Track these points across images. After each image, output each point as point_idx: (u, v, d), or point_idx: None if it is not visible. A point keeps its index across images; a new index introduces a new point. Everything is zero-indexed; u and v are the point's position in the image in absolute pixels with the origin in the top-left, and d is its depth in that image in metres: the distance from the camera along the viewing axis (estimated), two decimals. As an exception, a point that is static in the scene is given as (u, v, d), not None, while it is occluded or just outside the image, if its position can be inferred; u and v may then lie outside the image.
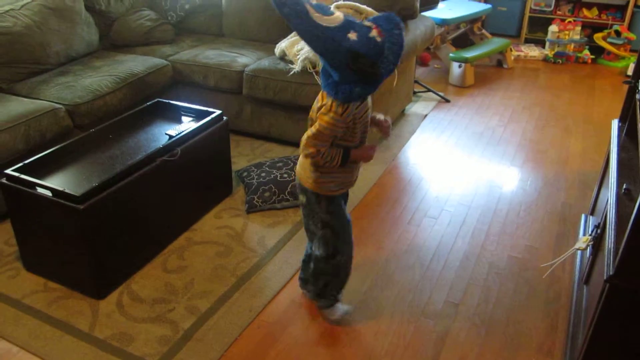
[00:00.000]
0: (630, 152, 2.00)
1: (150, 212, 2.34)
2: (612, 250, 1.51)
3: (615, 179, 1.84)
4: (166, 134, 2.47)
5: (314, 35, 1.48)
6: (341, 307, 2.06)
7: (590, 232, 2.06)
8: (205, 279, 2.27)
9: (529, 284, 2.26)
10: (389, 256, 2.43)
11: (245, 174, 2.91)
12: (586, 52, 5.07)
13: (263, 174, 2.82)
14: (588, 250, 2.08)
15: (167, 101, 2.80)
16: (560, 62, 5.06)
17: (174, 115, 2.73)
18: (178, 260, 2.38)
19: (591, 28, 5.19)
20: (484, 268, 2.35)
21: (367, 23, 1.55)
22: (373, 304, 2.15)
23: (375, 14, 3.10)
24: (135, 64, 3.30)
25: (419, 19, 3.57)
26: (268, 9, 3.72)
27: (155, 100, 2.81)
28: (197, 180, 2.59)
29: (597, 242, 1.90)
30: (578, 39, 5.04)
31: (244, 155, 3.25)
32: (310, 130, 1.65)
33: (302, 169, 1.82)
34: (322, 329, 2.04)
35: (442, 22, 4.42)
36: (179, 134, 2.44)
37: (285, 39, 3.36)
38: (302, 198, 1.88)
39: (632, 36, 4.87)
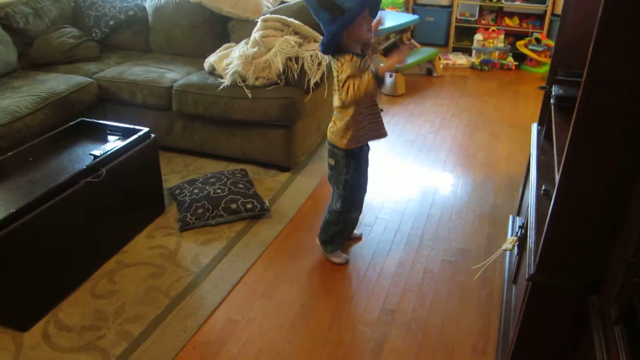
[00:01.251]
0: (549, 154, 2.08)
1: (76, 236, 2.24)
2: (532, 249, 1.56)
3: (535, 181, 1.91)
4: (90, 154, 2.38)
5: None
6: (342, 254, 2.46)
7: (516, 233, 2.13)
8: (137, 302, 2.19)
9: (462, 287, 2.31)
10: (326, 267, 2.43)
11: (177, 191, 2.85)
12: (510, 59, 5.29)
13: (196, 191, 2.77)
14: (515, 250, 2.15)
15: (91, 120, 2.71)
16: (487, 69, 5.25)
17: (100, 135, 2.64)
18: (108, 285, 2.29)
19: (514, 36, 5.42)
20: (419, 273, 2.39)
21: None
22: (310, 315, 2.14)
23: (303, 26, 3.13)
24: (58, 82, 3.17)
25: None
26: (195, 24, 3.68)
27: (79, 119, 2.71)
28: (126, 200, 2.51)
29: (522, 242, 1.97)
30: (502, 46, 5.25)
31: (176, 172, 3.18)
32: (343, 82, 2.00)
33: (334, 134, 2.17)
34: (260, 344, 2.01)
35: (372, 33, 4.50)
36: (103, 153, 2.35)
37: (214, 53, 3.33)
38: (330, 161, 2.25)
39: (551, 43, 5.11)
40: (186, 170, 3.21)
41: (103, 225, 2.39)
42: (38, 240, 2.04)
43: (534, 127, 2.38)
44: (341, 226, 2.37)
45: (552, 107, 2.04)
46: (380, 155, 3.47)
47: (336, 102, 2.12)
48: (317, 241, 2.49)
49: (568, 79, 2.12)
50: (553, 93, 2.06)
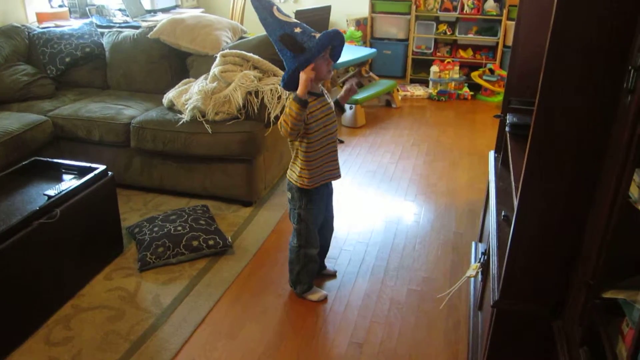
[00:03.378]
0: (506, 180, 2.12)
1: (30, 280, 2.14)
2: (495, 275, 1.57)
3: (494, 207, 1.93)
4: (44, 194, 2.29)
5: (270, 23, 2.03)
6: (318, 290, 2.43)
7: (479, 259, 2.14)
8: (95, 348, 2.09)
9: (429, 316, 2.30)
10: (291, 302, 2.38)
11: (136, 229, 2.77)
12: (466, 89, 5.44)
13: (156, 229, 2.70)
14: (479, 276, 2.17)
15: (45, 159, 2.63)
16: (444, 99, 5.38)
17: (54, 174, 2.56)
18: (63, 331, 2.18)
19: (468, 67, 5.60)
20: (386, 304, 2.37)
21: (316, 33, 2.02)
22: (277, 353, 2.09)
23: (262, 61, 3.15)
24: (10, 121, 3.08)
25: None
26: (153, 60, 3.66)
27: (33, 158, 2.63)
28: (82, 241, 2.42)
29: (485, 268, 1.98)
30: (457, 77, 5.40)
31: (135, 210, 3.10)
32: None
33: (291, 170, 2.24)
34: (224, 387, 1.94)
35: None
36: (58, 193, 2.28)
37: (173, 89, 3.31)
38: (288, 194, 2.30)
39: (504, 73, 5.29)
40: (145, 208, 3.14)
41: (58, 268, 2.29)
42: (-13, 286, 1.94)
43: (491, 155, 2.43)
44: (302, 263, 2.34)
45: (508, 134, 2.08)
46: (343, 187, 3.48)
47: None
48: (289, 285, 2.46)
49: (521, 107, 2.18)
50: (508, 121, 2.11)
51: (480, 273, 2.10)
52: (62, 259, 2.31)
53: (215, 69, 3.12)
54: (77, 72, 3.81)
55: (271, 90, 3.05)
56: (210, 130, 2.97)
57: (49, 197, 2.26)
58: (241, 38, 3.79)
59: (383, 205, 3.27)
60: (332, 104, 2.21)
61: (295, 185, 2.22)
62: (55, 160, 2.64)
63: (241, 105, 3.00)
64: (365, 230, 2.96)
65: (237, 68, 3.13)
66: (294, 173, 2.22)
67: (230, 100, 2.99)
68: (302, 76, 1.99)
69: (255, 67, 3.19)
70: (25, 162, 2.60)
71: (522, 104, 2.20)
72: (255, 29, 3.74)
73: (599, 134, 1.19)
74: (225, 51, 3.21)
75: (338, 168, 2.28)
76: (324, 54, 2.03)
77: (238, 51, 3.20)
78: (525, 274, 1.41)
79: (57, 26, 4.07)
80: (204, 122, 3.00)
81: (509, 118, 2.11)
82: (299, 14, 3.90)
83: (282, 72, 3.19)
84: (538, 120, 1.24)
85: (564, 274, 1.35)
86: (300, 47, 1.98)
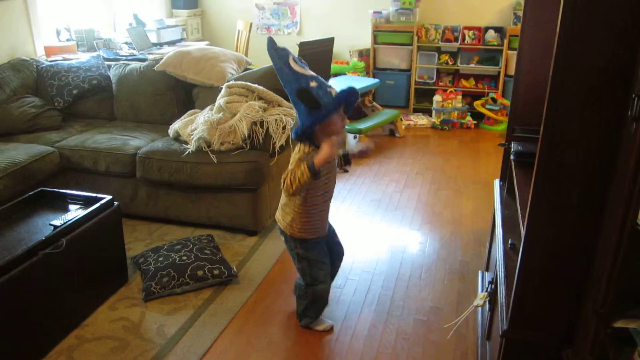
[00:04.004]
0: (512, 208, 2.12)
1: (33, 311, 2.13)
2: (504, 304, 1.56)
3: (501, 236, 1.93)
4: (50, 224, 2.30)
5: (286, 73, 2.01)
6: (325, 320, 2.38)
7: (486, 288, 2.12)
8: (98, 380, 2.07)
9: (436, 346, 2.27)
10: (297, 333, 2.36)
11: (141, 259, 2.76)
12: (469, 118, 5.47)
13: (161, 259, 2.69)
14: (486, 305, 2.15)
15: (51, 190, 2.64)
16: (447, 128, 5.41)
17: (60, 204, 2.57)
18: (67, 362, 2.16)
19: (471, 96, 5.64)
20: (392, 335, 2.34)
21: (331, 88, 2.02)
22: (282, 386, 2.06)
23: (267, 92, 3.19)
24: (17, 152, 3.11)
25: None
26: (160, 91, 3.71)
27: (39, 189, 2.64)
28: (87, 271, 2.42)
29: (493, 297, 1.96)
30: (460, 106, 5.44)
31: (140, 240, 3.10)
32: (286, 171, 2.04)
33: (282, 216, 2.22)
34: (229, 420, 1.90)
35: (335, 97, 4.60)
36: (64, 223, 2.28)
37: (178, 120, 3.34)
38: (281, 236, 2.28)
39: (506, 102, 5.33)
40: (150, 238, 3.14)
41: (63, 298, 2.28)
42: (-8, 317, 1.93)
43: (497, 183, 2.43)
44: (310, 300, 2.31)
45: (512, 162, 2.09)
46: (348, 216, 3.48)
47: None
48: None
49: (526, 136, 2.19)
50: (512, 149, 2.12)
51: (487, 302, 2.08)
52: (66, 289, 2.30)
53: (220, 99, 3.16)
54: (84, 103, 3.86)
55: (276, 120, 3.08)
56: (215, 160, 2.99)
57: (55, 227, 2.26)
58: (246, 69, 3.84)
59: (388, 234, 3.26)
60: (335, 163, 2.21)
61: (285, 232, 2.22)
62: (62, 190, 2.65)
63: (246, 135, 3.02)
64: (370, 260, 2.95)
65: (242, 99, 3.17)
66: (283, 219, 2.20)
67: (236, 131, 3.02)
68: (326, 149, 1.97)
69: (260, 98, 3.22)
70: (32, 192, 2.61)
71: (527, 132, 2.21)
72: (260, 61, 3.80)
73: (604, 162, 1.20)
74: (231, 82, 3.25)
75: (327, 225, 2.29)
76: (339, 110, 2.01)
77: (243, 82, 3.24)
78: (534, 303, 1.39)
79: (65, 59, 4.13)
80: (209, 152, 3.02)
81: (514, 146, 2.12)
82: (302, 45, 3.96)
83: (286, 103, 3.24)
84: (543, 149, 1.25)
85: (573, 302, 1.34)
86: (316, 103, 1.95)
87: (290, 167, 2.03)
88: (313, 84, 1.98)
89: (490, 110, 5.34)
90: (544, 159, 1.25)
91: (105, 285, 2.58)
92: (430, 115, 5.60)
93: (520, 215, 1.68)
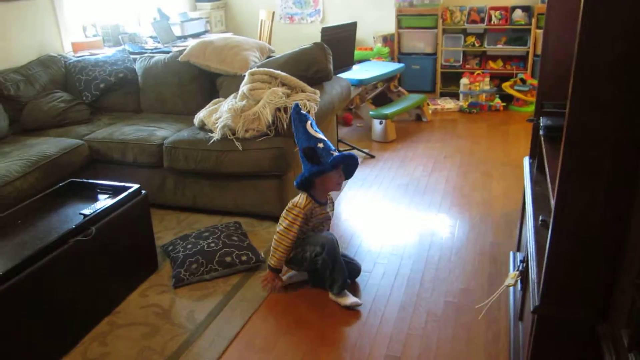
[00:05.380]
0: (542, 184, 2.06)
1: (66, 298, 2.17)
2: (535, 280, 1.51)
3: (531, 213, 1.88)
4: (80, 213, 2.34)
5: (300, 132, 2.42)
6: (351, 296, 2.41)
7: (517, 267, 2.07)
8: (130, 364, 2.10)
9: (467, 328, 2.23)
10: (325, 316, 2.35)
11: (170, 247, 2.79)
12: (497, 100, 5.36)
13: (189, 246, 2.71)
14: (518, 285, 2.10)
15: (81, 180, 2.69)
16: (475, 111, 5.31)
17: (90, 194, 2.61)
18: (100, 347, 2.20)
19: (499, 78, 5.52)
20: (422, 317, 2.31)
21: (334, 151, 2.41)
22: (312, 369, 2.05)
23: (290, 77, 3.17)
24: (48, 146, 3.17)
25: (334, 80, 3.67)
26: (184, 82, 3.73)
27: (69, 180, 2.69)
28: (117, 259, 2.45)
29: (525, 275, 1.92)
30: (488, 89, 5.33)
31: (169, 229, 3.13)
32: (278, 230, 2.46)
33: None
34: (259, 402, 1.91)
35: (359, 83, 4.56)
36: (93, 212, 2.32)
37: (203, 109, 3.35)
38: None
39: (535, 82, 5.20)
40: (179, 227, 3.17)
41: (94, 286, 2.32)
42: (26, 303, 1.97)
43: (526, 161, 2.37)
44: (330, 265, 2.39)
45: (542, 138, 2.03)
46: (375, 201, 3.44)
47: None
48: (330, 296, 2.45)
49: (555, 111, 2.13)
50: (541, 124, 2.06)
51: (519, 282, 2.03)
52: (97, 277, 2.34)
53: (244, 87, 3.16)
54: (111, 97, 3.91)
55: (300, 105, 3.06)
56: (240, 148, 2.99)
57: (85, 215, 2.30)
58: (269, 57, 3.83)
59: (416, 217, 3.22)
60: (330, 213, 2.58)
61: None
62: (91, 180, 2.69)
63: (270, 121, 3.01)
64: (399, 243, 2.92)
65: (265, 85, 3.16)
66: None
67: (260, 117, 3.01)
68: (270, 279, 2.49)
69: (283, 84, 3.21)
70: (62, 183, 2.66)
71: (555, 107, 2.14)
72: (283, 50, 3.78)
73: (636, 126, 1.15)
74: (254, 69, 3.25)
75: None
76: (336, 170, 2.40)
77: (266, 69, 3.23)
78: (566, 276, 1.35)
79: (91, 54, 4.19)
80: (234, 140, 3.02)
81: (543, 121, 2.06)
82: (324, 31, 3.92)
83: (310, 88, 3.23)
84: (572, 114, 1.20)
85: (608, 274, 1.29)
86: (318, 161, 2.35)
87: (282, 224, 2.44)
88: (320, 145, 2.37)
89: (519, 91, 5.23)
90: (573, 125, 1.20)
91: (135, 273, 2.62)
92: (458, 99, 5.51)
93: (550, 190, 1.63)
